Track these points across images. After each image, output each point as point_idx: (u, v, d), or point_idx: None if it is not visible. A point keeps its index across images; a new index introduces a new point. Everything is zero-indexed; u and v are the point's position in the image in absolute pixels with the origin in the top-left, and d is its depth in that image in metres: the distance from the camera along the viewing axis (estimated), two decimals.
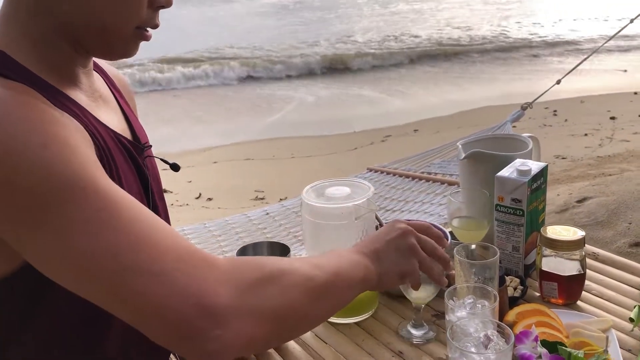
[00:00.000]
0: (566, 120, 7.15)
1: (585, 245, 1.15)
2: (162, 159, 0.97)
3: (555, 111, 7.40)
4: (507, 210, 1.18)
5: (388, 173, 3.32)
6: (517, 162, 1.20)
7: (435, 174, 3.10)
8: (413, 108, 8.51)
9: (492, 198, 1.20)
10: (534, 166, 1.19)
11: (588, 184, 4.50)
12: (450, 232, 1.26)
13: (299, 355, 1.05)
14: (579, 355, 0.91)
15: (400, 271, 0.90)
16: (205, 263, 0.67)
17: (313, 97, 9.43)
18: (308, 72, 10.78)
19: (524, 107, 3.15)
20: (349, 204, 1.08)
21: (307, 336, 1.10)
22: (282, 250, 1.14)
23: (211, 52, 11.75)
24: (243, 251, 1.14)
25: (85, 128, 0.77)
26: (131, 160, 0.89)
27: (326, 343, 1.08)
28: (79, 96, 0.84)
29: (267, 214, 3.20)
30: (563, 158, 5.55)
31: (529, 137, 1.34)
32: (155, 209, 0.94)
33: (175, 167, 0.96)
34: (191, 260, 0.66)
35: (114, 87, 1.00)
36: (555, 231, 1.13)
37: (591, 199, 3.97)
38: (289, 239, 2.94)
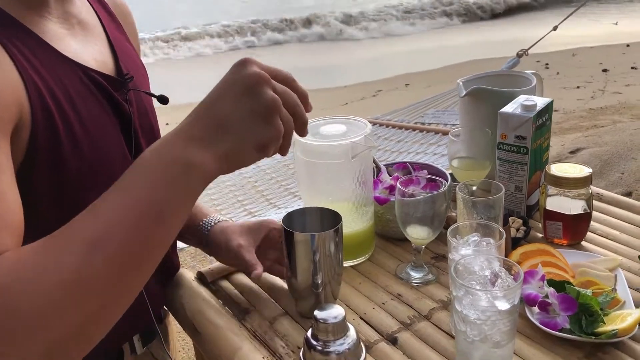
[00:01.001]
0: (558, 73, 7.07)
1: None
2: (146, 92, 0.89)
3: (547, 64, 7.31)
4: (511, 148, 1.12)
5: (381, 125, 3.26)
6: (522, 98, 1.14)
7: (429, 124, 3.04)
8: (404, 61, 8.39)
9: (494, 137, 1.15)
10: (540, 101, 1.12)
11: (581, 136, 4.46)
12: (451, 174, 1.20)
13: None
14: (588, 293, 0.86)
15: (258, 142, 0.60)
16: None
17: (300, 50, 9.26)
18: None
19: (520, 54, 3.07)
20: (345, 142, 1.01)
21: None
22: (333, 217, 0.96)
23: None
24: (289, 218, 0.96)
25: (21, 76, 0.69)
26: (107, 97, 0.81)
27: None
28: (46, 26, 0.77)
29: (259, 167, 3.14)
30: (555, 111, 5.49)
31: (533, 74, 1.28)
32: (138, 148, 0.87)
33: (162, 100, 0.87)
34: None
35: (106, 10, 0.92)
36: (562, 169, 1.07)
37: (584, 149, 3.94)
38: (280, 191, 2.89)
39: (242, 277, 1.08)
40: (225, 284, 1.07)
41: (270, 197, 2.82)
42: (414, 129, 2.99)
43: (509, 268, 0.78)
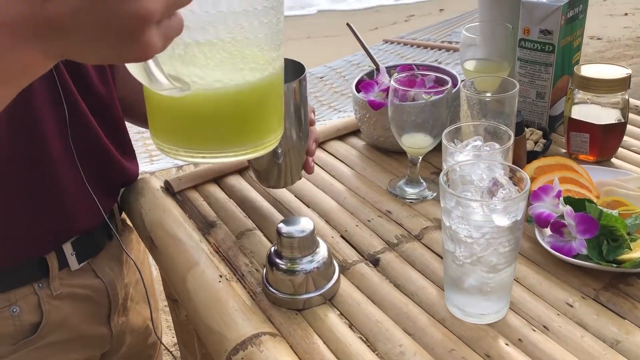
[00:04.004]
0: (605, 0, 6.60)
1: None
2: None
3: None
4: (534, 45, 0.94)
5: (405, 44, 3.03)
6: None
7: (457, 42, 2.81)
8: None
9: (515, 33, 0.96)
10: None
11: (624, 64, 4.15)
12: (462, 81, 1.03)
13: (269, 213, 0.87)
14: (613, 214, 0.71)
15: (121, 58, 0.38)
16: None
17: None
18: None
19: None
20: None
21: (279, 193, 0.91)
22: (293, 68, 0.79)
23: None
24: None
25: None
26: None
27: (302, 201, 0.90)
28: None
29: None
30: (598, 39, 5.13)
31: None
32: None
33: None
34: None
35: None
36: (594, 69, 0.89)
37: None
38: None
39: (212, 188, 0.95)
40: (194, 194, 0.94)
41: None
42: (439, 48, 2.76)
43: (514, 176, 0.63)
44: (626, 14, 5.87)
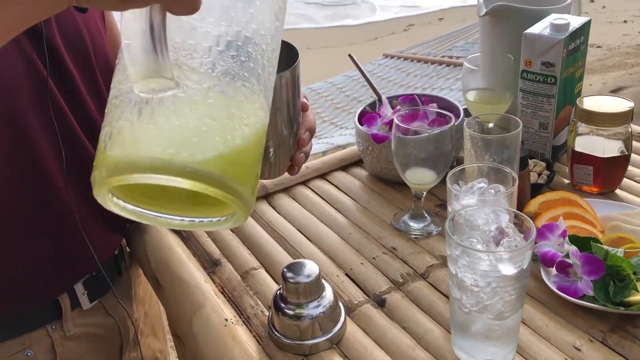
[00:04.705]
0: (604, 7, 6.62)
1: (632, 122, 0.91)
2: None
3: None
4: (536, 77, 0.94)
5: (405, 58, 3.04)
6: (552, 17, 0.95)
7: (458, 57, 2.82)
8: None
9: (517, 63, 0.96)
10: (574, 21, 0.93)
11: (625, 73, 4.16)
12: (465, 109, 1.03)
13: (273, 250, 0.87)
14: (618, 254, 0.71)
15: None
16: None
17: None
18: None
19: None
20: None
21: (284, 228, 0.91)
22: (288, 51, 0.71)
23: None
24: None
25: None
26: None
27: (305, 236, 0.90)
28: None
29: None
30: (598, 47, 5.15)
31: None
32: (59, 67, 0.71)
33: (79, 8, 0.71)
34: None
35: None
36: (596, 102, 0.90)
37: (628, 88, 3.66)
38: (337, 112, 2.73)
39: None
40: (197, 230, 0.94)
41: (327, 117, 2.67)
42: (440, 63, 2.77)
43: (519, 223, 0.63)
44: (625, 21, 5.89)
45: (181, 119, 0.41)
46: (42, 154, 0.72)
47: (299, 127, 0.76)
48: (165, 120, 0.41)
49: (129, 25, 0.37)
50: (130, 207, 0.46)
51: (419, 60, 2.88)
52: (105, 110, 0.44)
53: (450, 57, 2.82)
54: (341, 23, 7.12)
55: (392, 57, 3.09)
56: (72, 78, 0.74)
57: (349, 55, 1.05)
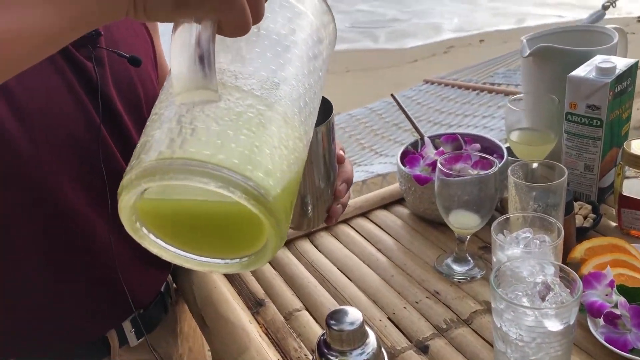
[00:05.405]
0: None
1: None
2: (112, 50, 0.75)
3: (639, 17, 6.70)
4: (581, 120, 0.93)
5: (446, 85, 3.04)
6: (597, 59, 0.94)
7: (499, 84, 2.80)
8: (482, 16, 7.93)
9: (561, 105, 0.96)
10: (620, 63, 0.93)
11: None
12: (508, 148, 1.03)
13: (316, 291, 0.88)
14: None
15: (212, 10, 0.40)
16: None
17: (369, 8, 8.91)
18: None
19: (605, 5, 2.74)
20: None
21: (326, 269, 0.93)
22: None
23: None
24: None
25: None
26: (64, 55, 0.69)
27: (349, 278, 0.91)
28: None
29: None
30: None
31: (615, 29, 1.07)
32: (113, 118, 0.75)
33: (133, 61, 0.74)
34: None
35: None
36: None
37: None
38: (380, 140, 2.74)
39: None
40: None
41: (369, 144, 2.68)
42: (481, 90, 2.76)
43: (565, 277, 0.63)
44: None
45: (221, 126, 0.42)
46: (91, 198, 0.75)
47: (335, 178, 0.76)
48: (204, 126, 0.41)
49: (178, 37, 0.39)
50: (152, 237, 0.47)
51: (459, 87, 2.87)
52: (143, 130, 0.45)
53: (492, 84, 2.81)
54: (382, 46, 7.15)
55: (433, 83, 3.09)
56: (124, 125, 0.77)
57: (392, 95, 1.07)
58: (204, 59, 0.39)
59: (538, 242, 0.70)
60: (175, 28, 0.40)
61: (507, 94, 2.61)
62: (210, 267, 0.49)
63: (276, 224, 0.42)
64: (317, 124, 0.65)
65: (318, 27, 0.56)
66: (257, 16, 0.42)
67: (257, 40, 0.48)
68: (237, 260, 0.48)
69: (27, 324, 0.76)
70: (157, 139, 0.42)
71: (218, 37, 0.41)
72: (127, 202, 0.43)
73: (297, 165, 0.47)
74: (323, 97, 0.69)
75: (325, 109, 0.69)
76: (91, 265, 0.78)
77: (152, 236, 0.47)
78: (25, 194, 0.69)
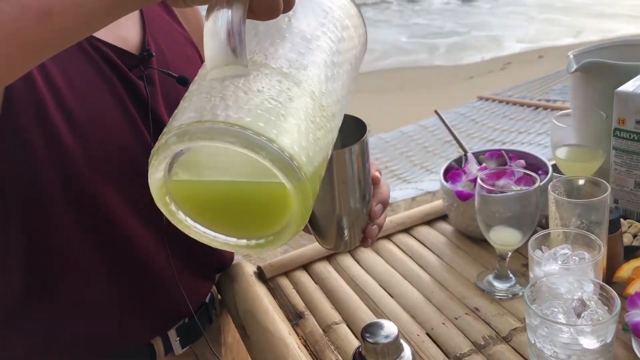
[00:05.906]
0: None
1: None
2: (162, 70, 0.79)
3: None
4: (630, 135, 0.91)
5: (501, 101, 3.00)
6: None
7: (555, 101, 2.74)
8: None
9: (610, 121, 0.94)
10: None
11: None
12: (554, 165, 1.02)
13: (355, 305, 0.89)
14: None
15: None
16: None
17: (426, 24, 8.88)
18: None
19: None
20: None
21: (367, 284, 0.93)
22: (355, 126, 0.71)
23: None
24: None
25: None
26: (117, 73, 0.73)
27: (389, 294, 0.91)
28: None
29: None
30: None
31: None
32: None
33: (182, 81, 0.78)
34: None
35: None
36: None
37: None
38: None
39: (302, 275, 0.98)
40: (284, 281, 0.98)
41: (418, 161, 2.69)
42: (537, 106, 2.70)
43: (604, 294, 0.61)
44: None
45: (249, 95, 0.45)
46: (142, 211, 0.79)
47: (370, 198, 0.75)
48: (233, 94, 0.45)
49: (211, 18, 0.42)
50: (181, 215, 0.50)
51: (514, 104, 2.83)
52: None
53: (547, 100, 2.75)
54: (438, 63, 7.11)
55: (487, 99, 3.06)
56: None
57: (435, 112, 1.07)
58: (235, 37, 0.42)
59: (577, 258, 0.69)
60: (209, 10, 0.44)
61: (562, 110, 2.55)
62: (232, 248, 0.52)
63: (299, 186, 0.45)
64: (351, 144, 0.67)
65: (348, 25, 0.59)
66: (288, 3, 0.45)
67: (288, 28, 0.52)
68: (262, 239, 0.51)
69: (79, 329, 0.80)
70: (186, 108, 0.46)
71: (250, 26, 0.44)
72: (156, 167, 0.46)
73: (324, 141, 0.50)
74: (357, 118, 0.71)
75: (360, 129, 0.70)
76: (143, 275, 0.81)
77: (181, 214, 0.51)
78: (83, 208, 0.73)
